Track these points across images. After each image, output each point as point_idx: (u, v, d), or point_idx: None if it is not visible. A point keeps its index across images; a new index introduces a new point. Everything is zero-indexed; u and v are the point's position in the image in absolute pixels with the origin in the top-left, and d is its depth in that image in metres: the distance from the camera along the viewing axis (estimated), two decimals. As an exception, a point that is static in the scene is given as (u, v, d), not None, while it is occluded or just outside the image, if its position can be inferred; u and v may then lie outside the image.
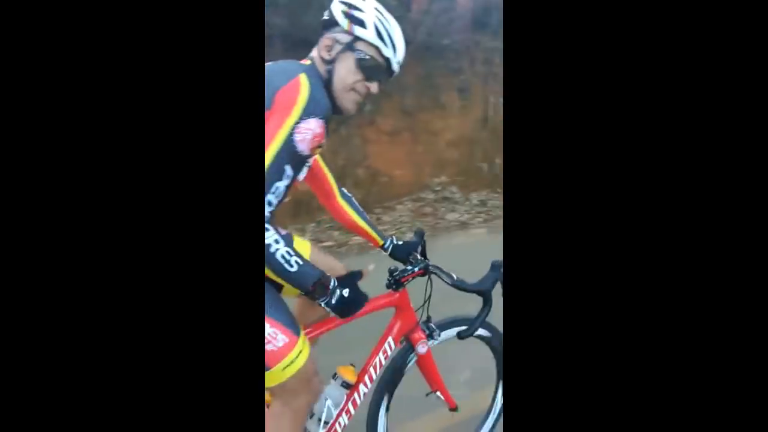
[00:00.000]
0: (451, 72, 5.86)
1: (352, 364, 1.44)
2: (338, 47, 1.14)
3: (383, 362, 1.45)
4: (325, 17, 1.17)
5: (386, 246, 1.53)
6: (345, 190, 1.51)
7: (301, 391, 1.22)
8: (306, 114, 1.03)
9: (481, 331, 1.58)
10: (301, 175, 1.17)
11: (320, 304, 1.15)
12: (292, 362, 1.17)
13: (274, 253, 1.03)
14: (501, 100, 4.93)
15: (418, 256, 1.52)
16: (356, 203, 1.52)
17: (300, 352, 1.18)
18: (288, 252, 1.05)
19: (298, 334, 1.20)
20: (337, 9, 1.15)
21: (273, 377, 1.17)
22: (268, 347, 1.14)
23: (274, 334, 1.14)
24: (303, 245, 1.40)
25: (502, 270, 1.37)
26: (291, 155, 1.04)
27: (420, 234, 1.59)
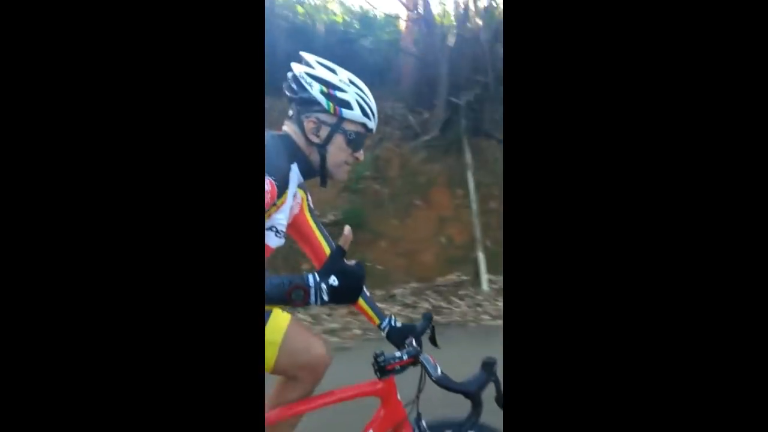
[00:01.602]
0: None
1: (328, 454, 1.31)
2: (325, 129, 1.18)
3: (362, 457, 1.30)
4: (290, 91, 1.20)
5: (383, 326, 1.42)
6: None
7: (300, 369, 1.27)
8: None
9: None
10: (271, 239, 1.19)
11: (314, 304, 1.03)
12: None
13: None
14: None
15: (414, 343, 1.37)
16: None
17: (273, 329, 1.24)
18: None
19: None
20: (314, 89, 1.16)
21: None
22: None
23: None
24: (282, 318, 1.33)
25: (495, 370, 1.19)
26: None
27: (427, 318, 1.45)
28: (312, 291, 0.98)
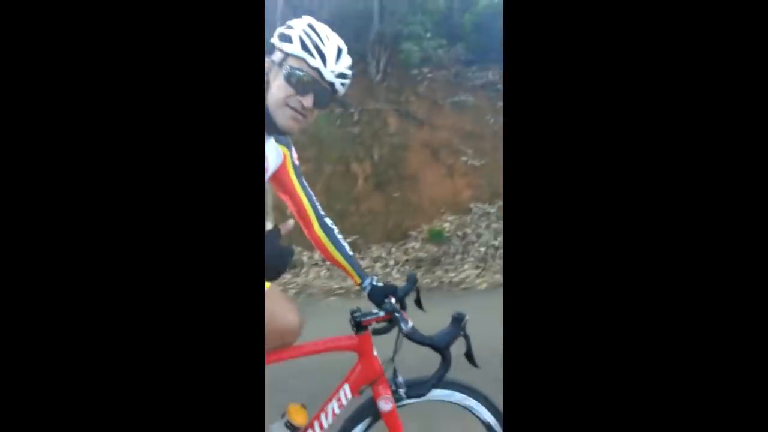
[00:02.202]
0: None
1: (303, 405, 1.34)
2: (270, 67, 1.18)
3: (336, 411, 1.33)
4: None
5: (364, 285, 1.43)
6: (328, 221, 1.46)
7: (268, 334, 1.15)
8: None
9: (461, 399, 1.36)
10: None
11: None
12: None
13: None
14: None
15: (393, 301, 1.37)
16: (337, 235, 1.45)
17: None
18: None
19: None
20: (275, 34, 1.18)
21: None
22: None
23: None
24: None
25: (464, 325, 1.19)
26: None
27: (412, 279, 1.45)
28: None
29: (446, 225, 5.59)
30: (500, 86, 6.45)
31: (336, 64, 1.18)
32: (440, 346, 1.17)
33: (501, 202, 5.56)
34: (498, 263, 5.09)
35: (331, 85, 1.18)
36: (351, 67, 1.23)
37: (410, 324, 1.23)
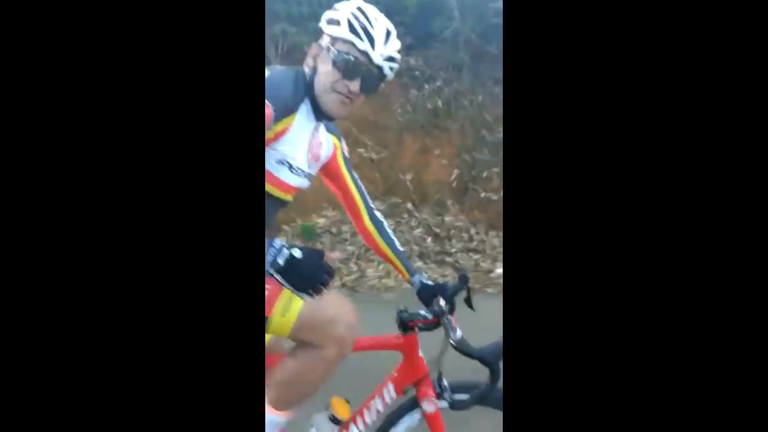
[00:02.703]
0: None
1: (347, 399, 1.34)
2: (318, 52, 1.14)
3: (380, 409, 1.32)
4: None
5: (414, 282, 1.39)
6: (378, 214, 1.41)
7: (324, 343, 1.11)
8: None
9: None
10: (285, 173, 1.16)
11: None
12: (286, 308, 1.08)
13: None
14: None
15: (442, 302, 1.32)
16: (386, 229, 1.41)
17: (291, 296, 1.09)
18: None
19: None
20: (323, 19, 1.14)
21: (276, 326, 1.10)
22: None
23: None
24: (295, 302, 1.14)
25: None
26: None
27: (463, 279, 1.39)
28: (272, 250, 0.96)
29: (321, 221, 4.99)
30: (418, 73, 5.84)
31: (385, 47, 1.13)
32: (489, 360, 1.12)
33: (394, 199, 5.12)
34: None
35: (380, 68, 1.13)
36: (400, 51, 1.18)
37: (459, 333, 1.18)
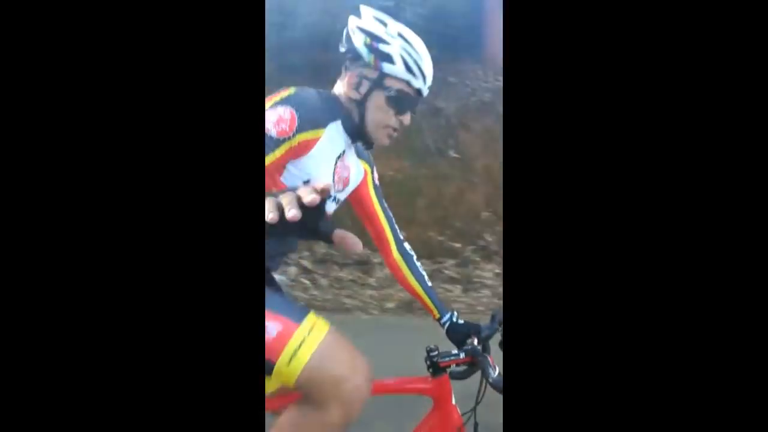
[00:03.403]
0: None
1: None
2: (366, 85, 1.09)
3: (408, 465, 1.15)
4: (343, 47, 1.12)
5: (443, 321, 1.26)
6: (407, 246, 1.32)
7: (328, 403, 0.98)
8: (282, 103, 0.99)
9: None
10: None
11: None
12: (294, 355, 0.97)
13: None
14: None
15: (475, 342, 1.19)
16: (415, 262, 1.31)
17: (302, 341, 0.98)
18: None
19: (298, 320, 1.01)
20: (358, 40, 1.08)
21: (281, 375, 0.98)
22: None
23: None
24: (319, 327, 1.04)
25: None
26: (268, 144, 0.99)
27: (498, 319, 1.26)
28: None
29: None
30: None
31: (431, 77, 1.12)
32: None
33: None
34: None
35: (421, 93, 1.13)
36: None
37: (498, 371, 1.04)
